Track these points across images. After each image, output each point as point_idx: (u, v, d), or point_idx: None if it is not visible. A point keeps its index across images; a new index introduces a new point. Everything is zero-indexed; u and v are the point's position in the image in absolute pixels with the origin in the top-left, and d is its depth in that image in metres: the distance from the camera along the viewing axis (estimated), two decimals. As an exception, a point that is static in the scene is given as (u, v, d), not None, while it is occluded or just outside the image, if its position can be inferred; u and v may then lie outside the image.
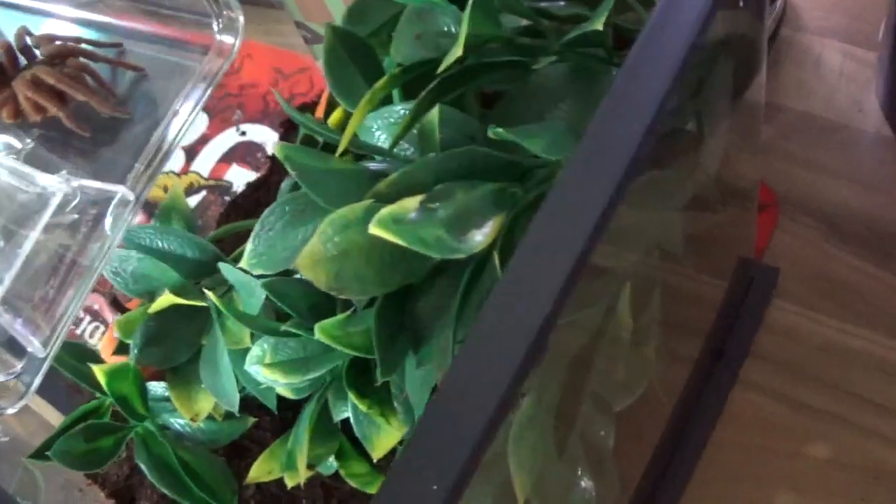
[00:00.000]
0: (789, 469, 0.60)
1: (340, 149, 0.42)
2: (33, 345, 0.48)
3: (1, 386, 0.48)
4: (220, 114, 0.77)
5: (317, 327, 0.44)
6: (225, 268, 0.54)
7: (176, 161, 0.77)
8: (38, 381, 0.49)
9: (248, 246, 0.45)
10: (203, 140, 0.76)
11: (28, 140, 0.58)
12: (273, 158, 0.74)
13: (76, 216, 0.52)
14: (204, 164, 0.76)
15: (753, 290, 0.64)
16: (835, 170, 0.67)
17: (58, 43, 0.58)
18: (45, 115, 0.57)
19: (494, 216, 0.37)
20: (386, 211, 0.36)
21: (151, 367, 0.59)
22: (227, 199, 0.74)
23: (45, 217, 0.50)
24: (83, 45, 0.59)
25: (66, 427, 0.58)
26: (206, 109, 0.73)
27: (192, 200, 0.75)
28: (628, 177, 0.28)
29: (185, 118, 0.51)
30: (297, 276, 0.48)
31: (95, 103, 0.56)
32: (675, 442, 0.60)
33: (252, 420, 0.60)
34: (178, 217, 0.59)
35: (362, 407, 0.48)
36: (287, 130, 0.74)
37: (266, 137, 0.76)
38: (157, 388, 0.61)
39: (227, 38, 0.53)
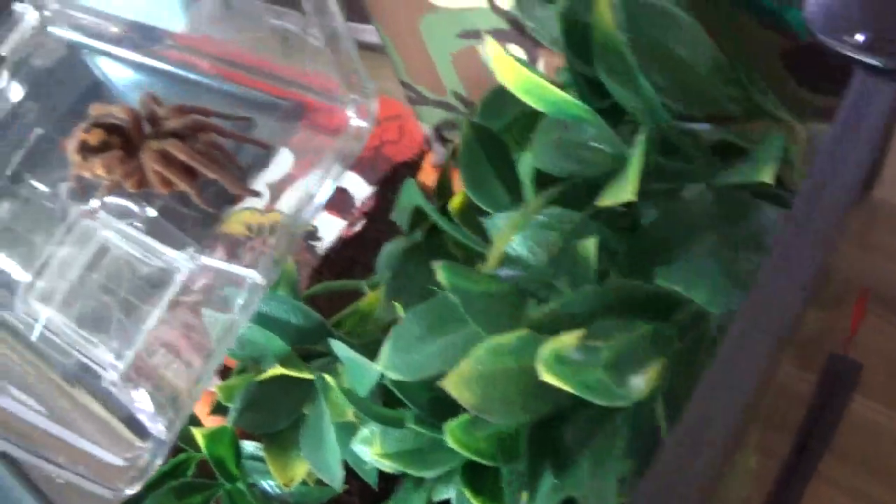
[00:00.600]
0: (867, 566, 0.61)
1: (489, 267, 0.43)
2: (156, 427, 0.49)
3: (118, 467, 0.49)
4: (306, 155, 0.78)
5: (446, 429, 0.45)
6: (337, 345, 0.55)
7: (260, 198, 0.77)
8: (158, 463, 0.50)
9: (385, 349, 0.46)
10: (289, 179, 0.77)
11: (149, 209, 0.58)
12: (368, 215, 0.75)
13: (201, 295, 0.52)
14: (288, 204, 0.77)
15: (836, 384, 0.65)
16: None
17: (189, 116, 0.59)
18: (172, 190, 0.57)
19: (652, 361, 0.38)
20: (549, 350, 0.37)
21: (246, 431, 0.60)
22: (312, 243, 0.75)
23: (170, 293, 0.51)
24: (213, 119, 0.59)
25: (158, 479, 0.60)
26: (291, 148, 0.73)
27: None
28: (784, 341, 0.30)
29: (317, 201, 0.52)
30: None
31: (226, 183, 0.57)
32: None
33: (343, 486, 0.61)
34: (285, 282, 0.60)
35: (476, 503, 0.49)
36: (384, 188, 0.75)
37: (355, 185, 0.77)
38: (248, 446, 0.62)
39: (362, 123, 0.53)
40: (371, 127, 0.54)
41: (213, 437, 0.58)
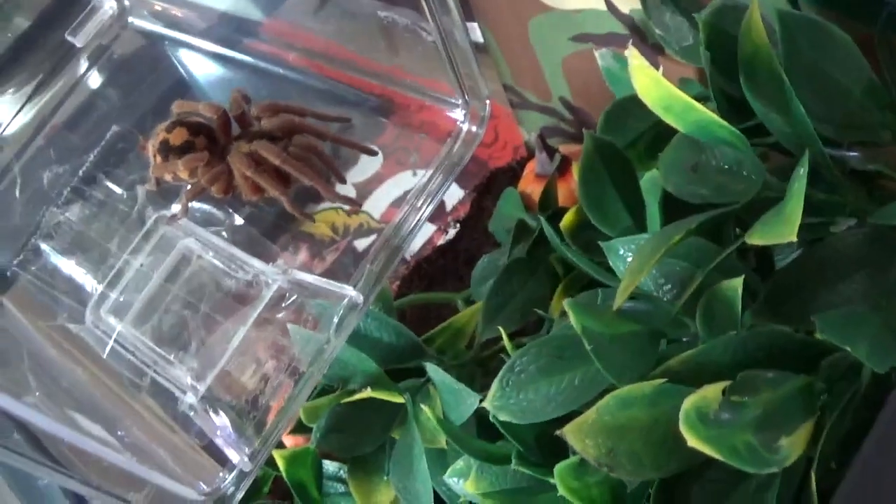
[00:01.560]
0: None
1: (617, 305, 0.40)
2: (239, 457, 0.47)
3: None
4: (395, 154, 0.75)
5: (556, 473, 0.43)
6: (433, 370, 0.53)
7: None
8: (238, 497, 0.47)
9: (494, 386, 0.43)
10: (377, 179, 0.74)
11: (237, 217, 0.55)
12: (462, 222, 0.72)
13: (291, 313, 0.50)
14: (375, 205, 0.74)
15: None
16: None
17: (283, 116, 0.55)
18: (263, 196, 0.55)
19: (803, 422, 0.35)
20: (690, 405, 0.34)
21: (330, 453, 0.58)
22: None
23: (258, 310, 0.49)
24: (309, 120, 0.55)
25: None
26: (381, 146, 0.70)
27: (362, 244, 0.73)
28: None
29: (424, 212, 0.50)
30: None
31: (323, 191, 0.54)
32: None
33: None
34: (377, 296, 0.58)
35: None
36: (480, 194, 0.72)
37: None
38: (329, 466, 0.60)
39: (473, 128, 0.51)
40: (483, 133, 0.51)
41: (294, 459, 0.56)
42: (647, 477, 0.38)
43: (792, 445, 0.35)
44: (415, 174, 0.74)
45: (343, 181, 0.56)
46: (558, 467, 0.43)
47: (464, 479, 0.50)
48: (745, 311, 0.41)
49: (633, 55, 0.39)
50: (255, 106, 0.57)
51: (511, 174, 0.70)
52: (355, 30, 0.59)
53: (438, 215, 0.75)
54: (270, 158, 0.53)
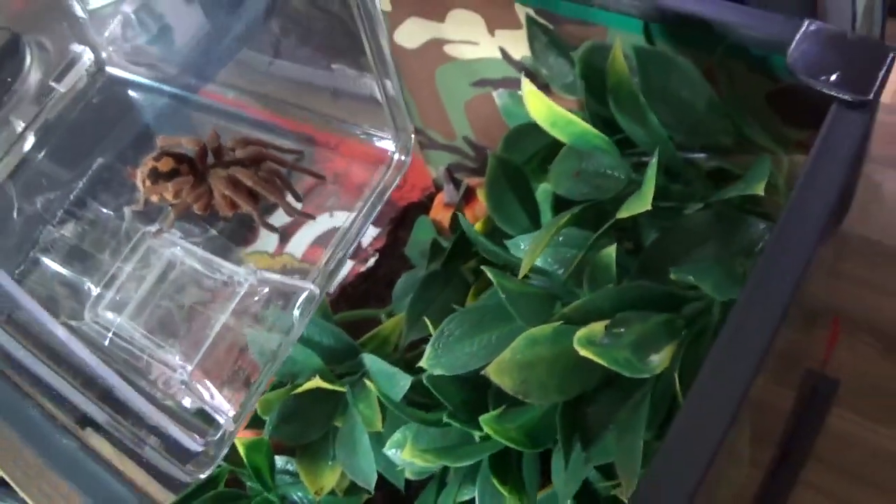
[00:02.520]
0: (848, 565, 0.71)
1: (521, 275, 0.53)
2: (225, 417, 0.59)
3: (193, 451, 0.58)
4: (315, 198, 0.87)
5: (482, 421, 0.55)
6: (369, 359, 0.64)
7: (271, 242, 0.87)
8: (224, 451, 0.59)
9: (429, 348, 0.56)
10: (297, 222, 0.87)
11: (212, 230, 0.68)
12: (381, 252, 0.85)
13: (261, 306, 0.62)
14: (297, 246, 0.86)
15: (815, 398, 0.76)
16: (893, 291, 0.79)
17: (252, 147, 0.69)
18: (236, 212, 0.68)
19: (667, 344, 0.48)
20: (583, 333, 0.47)
21: (280, 442, 0.69)
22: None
23: (233, 304, 0.61)
24: (273, 151, 0.70)
25: (194, 491, 0.68)
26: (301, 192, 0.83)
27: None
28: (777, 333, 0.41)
29: (362, 225, 0.63)
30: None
31: (286, 207, 0.67)
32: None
33: (367, 496, 0.70)
34: (318, 309, 0.69)
35: (503, 492, 0.58)
36: (395, 226, 0.85)
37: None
38: (278, 460, 0.70)
39: (402, 156, 0.64)
40: (409, 160, 0.65)
41: (251, 446, 0.66)
42: (553, 401, 0.51)
43: (660, 360, 0.48)
44: (332, 216, 0.87)
45: (300, 200, 0.70)
46: (483, 417, 0.55)
47: (401, 448, 0.62)
48: (622, 281, 0.54)
49: (525, 83, 0.53)
50: (230, 139, 0.71)
51: (422, 207, 0.83)
52: (305, 82, 0.72)
53: (356, 252, 0.87)
54: (245, 181, 0.68)
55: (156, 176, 0.70)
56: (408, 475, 0.65)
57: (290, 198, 0.71)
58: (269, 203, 0.69)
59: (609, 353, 0.46)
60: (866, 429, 0.75)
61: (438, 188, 0.83)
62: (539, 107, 0.53)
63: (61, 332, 0.42)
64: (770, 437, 0.71)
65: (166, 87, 0.79)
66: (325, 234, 0.86)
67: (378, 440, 0.64)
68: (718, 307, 0.51)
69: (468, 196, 0.76)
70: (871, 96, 0.49)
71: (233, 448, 0.70)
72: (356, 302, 0.82)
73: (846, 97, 0.49)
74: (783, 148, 0.56)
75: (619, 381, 0.51)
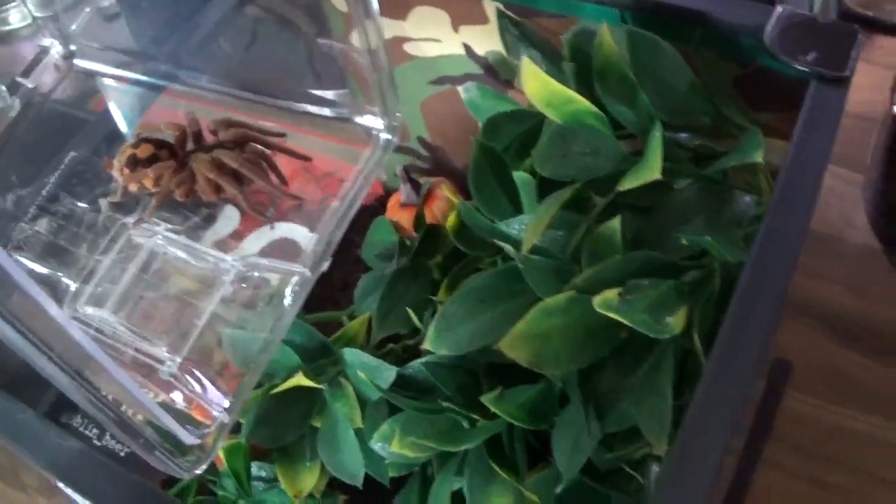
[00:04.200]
0: (812, 538, 0.76)
1: (526, 249, 0.57)
2: (219, 409, 0.60)
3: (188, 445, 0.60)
4: (252, 209, 0.90)
5: (485, 401, 0.58)
6: (350, 353, 0.67)
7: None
8: (220, 443, 0.61)
9: (431, 330, 0.59)
10: (237, 236, 0.88)
11: (195, 218, 0.70)
12: (335, 256, 0.87)
13: (252, 291, 0.64)
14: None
15: (772, 381, 0.81)
16: (830, 276, 0.86)
17: (235, 129, 0.71)
18: (221, 196, 0.69)
19: (679, 308, 0.53)
20: (600, 300, 0.51)
21: (256, 445, 0.71)
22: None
23: (220, 292, 0.63)
24: (256, 133, 0.72)
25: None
26: (237, 205, 0.85)
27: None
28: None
29: (349, 205, 0.66)
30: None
31: (271, 189, 0.69)
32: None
33: (343, 498, 0.72)
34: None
35: (500, 471, 0.61)
36: (348, 230, 0.87)
37: (299, 235, 0.89)
38: (253, 467, 0.72)
39: (389, 135, 0.67)
40: (396, 140, 0.68)
41: (231, 450, 0.68)
42: (567, 369, 0.55)
43: (675, 322, 0.52)
44: (272, 227, 0.89)
45: (286, 183, 0.71)
46: (485, 397, 0.59)
47: (388, 441, 0.64)
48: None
49: (526, 62, 0.57)
50: (211, 121, 0.72)
51: (374, 211, 0.86)
52: (287, 61, 0.75)
53: (288, 253, 0.89)
54: (230, 163, 0.69)
55: (135, 163, 0.71)
56: (393, 472, 0.67)
57: (276, 181, 0.73)
58: (254, 186, 0.71)
59: (630, 314, 0.50)
60: (820, 408, 0.81)
61: (389, 191, 0.86)
62: (536, 85, 0.57)
63: (55, 311, 0.43)
64: (742, 424, 0.76)
65: (138, 77, 0.80)
66: (271, 245, 0.88)
67: (358, 438, 0.67)
68: (719, 274, 0.55)
69: (426, 196, 0.79)
70: (847, 73, 0.55)
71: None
72: (312, 307, 0.84)
73: (826, 74, 0.55)
74: (760, 128, 0.61)
75: (630, 348, 0.55)
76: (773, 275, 0.48)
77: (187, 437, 0.58)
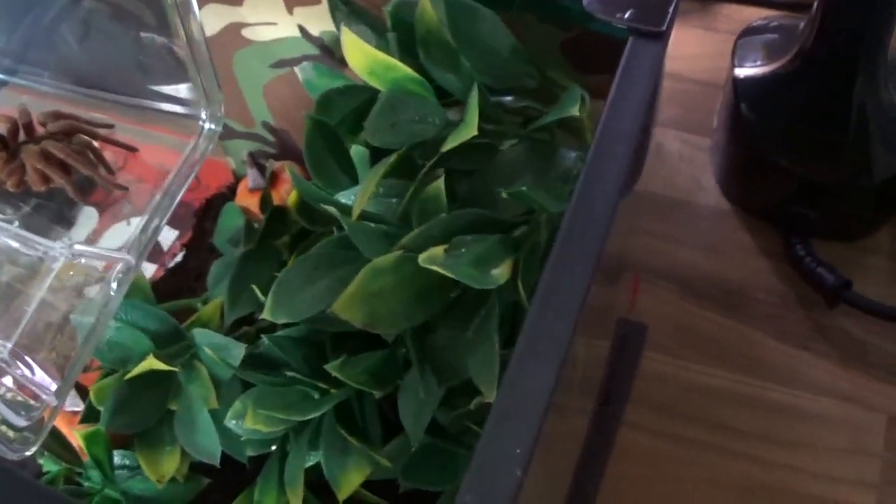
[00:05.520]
0: (675, 493, 0.80)
1: (355, 215, 0.60)
2: (48, 392, 0.63)
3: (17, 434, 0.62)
4: (109, 208, 0.91)
5: (329, 368, 0.61)
6: (200, 333, 0.70)
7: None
8: (49, 427, 0.63)
9: (269, 299, 0.61)
10: (95, 235, 0.90)
11: (27, 207, 0.72)
12: (187, 246, 0.90)
13: (80, 278, 0.67)
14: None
15: (627, 344, 0.86)
16: (682, 239, 0.90)
17: (64, 121, 0.74)
18: (49, 186, 0.72)
19: (504, 260, 0.56)
20: (426, 256, 0.55)
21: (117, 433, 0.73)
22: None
23: (49, 279, 0.66)
24: (84, 124, 0.74)
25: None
26: (95, 205, 0.87)
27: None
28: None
29: (170, 194, 0.68)
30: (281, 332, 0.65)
31: (97, 178, 0.72)
32: (578, 479, 0.80)
33: (207, 480, 0.74)
34: (138, 292, 0.74)
35: (352, 440, 0.64)
36: (200, 219, 0.90)
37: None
38: (115, 456, 0.74)
39: (213, 125, 0.70)
40: (220, 129, 0.71)
41: (90, 437, 0.70)
42: (402, 328, 0.58)
43: (500, 273, 0.55)
44: (129, 223, 0.91)
45: (112, 172, 0.74)
46: (329, 365, 0.62)
47: (242, 418, 0.67)
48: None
49: (346, 32, 0.60)
50: (40, 113, 0.75)
51: (224, 198, 0.89)
52: (116, 57, 0.77)
53: (156, 256, 0.92)
54: (57, 153, 0.72)
55: None
56: (249, 451, 0.70)
57: (103, 170, 0.76)
58: (82, 176, 0.74)
59: (454, 267, 0.54)
60: (677, 367, 0.85)
61: (239, 178, 0.89)
62: (357, 55, 0.61)
63: None
64: (593, 387, 0.80)
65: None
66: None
67: (214, 418, 0.69)
68: (545, 227, 0.59)
69: (273, 179, 0.82)
70: (664, 27, 0.59)
71: (67, 447, 0.74)
72: (167, 297, 0.87)
73: (642, 29, 0.59)
74: (589, 90, 0.65)
75: (462, 303, 0.58)
76: (591, 221, 0.51)
77: (16, 420, 0.61)
